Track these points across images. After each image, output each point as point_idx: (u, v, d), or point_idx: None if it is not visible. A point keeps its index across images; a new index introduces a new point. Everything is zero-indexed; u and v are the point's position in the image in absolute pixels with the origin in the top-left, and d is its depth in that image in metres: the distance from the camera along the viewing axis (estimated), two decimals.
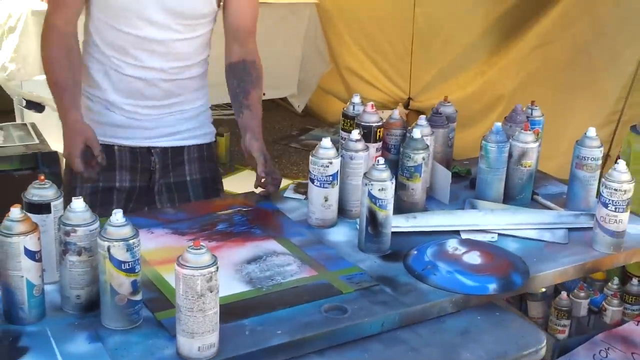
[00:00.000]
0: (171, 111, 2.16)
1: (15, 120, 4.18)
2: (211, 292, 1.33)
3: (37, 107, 3.96)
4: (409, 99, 4.84)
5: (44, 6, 4.23)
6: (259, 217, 1.97)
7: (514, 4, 3.96)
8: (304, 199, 2.04)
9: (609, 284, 2.83)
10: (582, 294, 2.75)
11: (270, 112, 5.53)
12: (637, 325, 2.60)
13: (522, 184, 2.07)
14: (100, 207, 2.02)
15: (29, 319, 1.44)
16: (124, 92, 2.09)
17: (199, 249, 1.33)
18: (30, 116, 4.02)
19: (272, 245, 1.82)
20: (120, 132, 2.13)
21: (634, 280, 2.79)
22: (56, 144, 3.46)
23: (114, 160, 2.13)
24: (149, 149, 2.16)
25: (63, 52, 2.02)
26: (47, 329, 1.43)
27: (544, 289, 2.88)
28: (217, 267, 1.34)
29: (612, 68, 3.37)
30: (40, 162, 3.16)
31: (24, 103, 4.04)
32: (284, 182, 2.15)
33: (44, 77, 4.10)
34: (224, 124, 4.83)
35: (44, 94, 4.00)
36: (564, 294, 2.77)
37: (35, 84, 4.18)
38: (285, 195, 2.09)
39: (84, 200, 1.46)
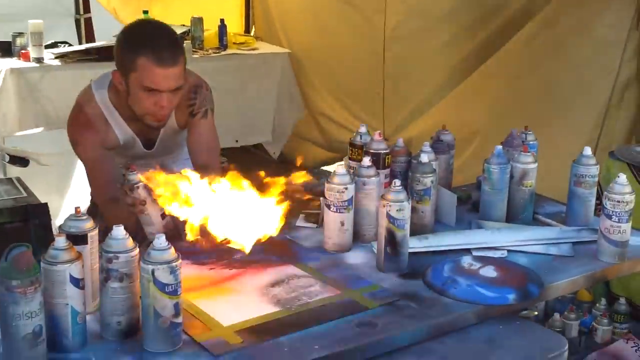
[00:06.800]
0: None
1: None
2: None
3: (21, 161, 3.96)
4: (385, 139, 4.95)
5: (22, 64, 4.28)
6: (274, 247, 2.02)
7: (479, 44, 4.11)
8: (316, 227, 2.10)
9: (597, 304, 2.92)
10: (573, 316, 2.84)
11: (245, 159, 5.58)
12: (627, 342, 2.69)
13: (524, 203, 2.17)
14: None
15: (72, 347, 1.46)
16: None
17: None
18: (13, 171, 4.01)
19: (291, 269, 1.88)
20: None
21: (622, 299, 2.90)
22: (44, 195, 3.46)
23: None
24: None
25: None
26: (92, 356, 1.46)
27: (536, 312, 2.96)
28: None
29: (585, 98, 3.51)
30: (31, 213, 3.16)
31: (7, 158, 4.03)
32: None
33: (24, 132, 4.18)
34: None
35: (27, 148, 4.02)
36: (556, 315, 2.85)
37: (17, 139, 4.19)
38: (297, 224, 2.15)
39: None
